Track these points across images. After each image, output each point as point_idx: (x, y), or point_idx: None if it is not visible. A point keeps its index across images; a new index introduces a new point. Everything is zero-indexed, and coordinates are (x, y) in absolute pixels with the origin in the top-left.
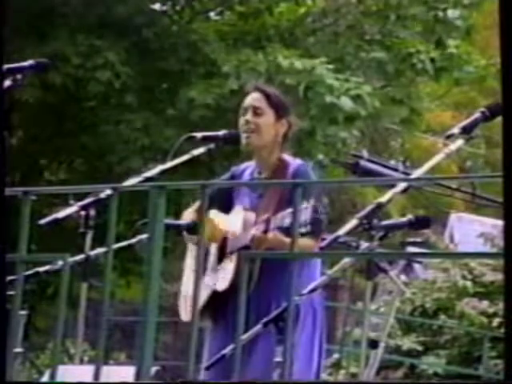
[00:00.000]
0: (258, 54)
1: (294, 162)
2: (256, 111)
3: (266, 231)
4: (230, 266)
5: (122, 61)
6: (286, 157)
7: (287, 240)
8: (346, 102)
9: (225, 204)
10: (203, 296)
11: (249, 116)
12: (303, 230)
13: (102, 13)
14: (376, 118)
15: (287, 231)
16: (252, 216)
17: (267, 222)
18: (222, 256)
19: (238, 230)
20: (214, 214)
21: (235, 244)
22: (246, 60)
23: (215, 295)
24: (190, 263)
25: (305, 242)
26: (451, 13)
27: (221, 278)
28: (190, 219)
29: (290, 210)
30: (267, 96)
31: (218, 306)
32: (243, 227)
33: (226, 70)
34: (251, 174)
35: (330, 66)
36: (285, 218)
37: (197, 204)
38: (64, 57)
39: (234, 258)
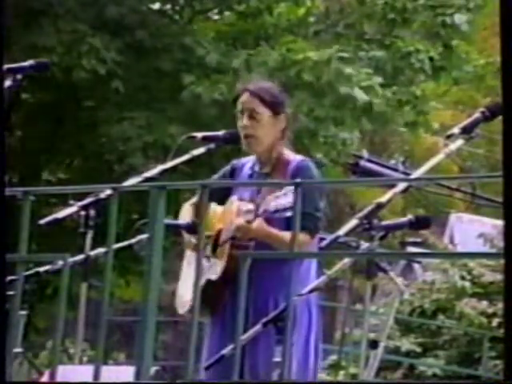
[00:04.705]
0: (268, 48)
1: (294, 158)
2: (251, 115)
3: (256, 216)
4: (222, 256)
5: (116, 60)
6: (288, 153)
7: (273, 231)
8: (360, 94)
9: (224, 197)
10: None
11: (245, 121)
12: (288, 214)
13: (95, 13)
14: (384, 121)
15: (273, 215)
16: (247, 206)
17: (257, 207)
18: (216, 245)
19: (231, 220)
20: (213, 209)
21: (227, 234)
22: (255, 54)
23: (209, 284)
24: (188, 256)
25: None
26: (458, 18)
27: (213, 267)
28: (188, 215)
29: (276, 193)
30: (259, 96)
31: (212, 294)
32: (236, 216)
33: (235, 65)
34: (252, 168)
35: (346, 55)
36: (270, 201)
37: (195, 199)
38: (52, 50)
39: (226, 247)
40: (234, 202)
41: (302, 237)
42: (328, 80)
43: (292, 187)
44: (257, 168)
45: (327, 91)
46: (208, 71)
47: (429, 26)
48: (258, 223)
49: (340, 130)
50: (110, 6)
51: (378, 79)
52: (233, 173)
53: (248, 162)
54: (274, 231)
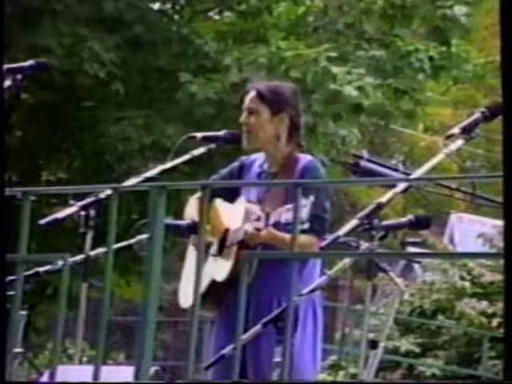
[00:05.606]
0: (259, 46)
1: (303, 157)
2: (250, 111)
3: (267, 226)
4: (229, 257)
5: (114, 60)
6: (297, 153)
7: (281, 235)
8: (350, 91)
9: (232, 195)
10: (203, 284)
11: (244, 117)
12: (300, 227)
13: (93, 9)
14: (383, 114)
15: (285, 227)
16: (254, 209)
17: (267, 216)
18: (222, 246)
19: (239, 222)
20: (219, 204)
21: (235, 236)
22: (247, 52)
23: (214, 285)
24: (190, 256)
25: (304, 239)
26: (457, 9)
27: (220, 268)
28: (193, 210)
29: (287, 206)
30: (259, 94)
31: (217, 295)
32: (245, 219)
33: (227, 63)
34: (260, 166)
35: (334, 54)
36: (282, 213)
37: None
38: (50, 50)
39: (233, 249)
40: (242, 203)
41: (310, 239)
42: (315, 79)
43: (306, 202)
44: (265, 167)
45: (315, 89)
46: (204, 69)
47: (429, 21)
48: (267, 232)
49: (339, 126)
50: (108, 2)
51: (370, 79)
52: (241, 170)
53: (257, 160)
54: (281, 235)
